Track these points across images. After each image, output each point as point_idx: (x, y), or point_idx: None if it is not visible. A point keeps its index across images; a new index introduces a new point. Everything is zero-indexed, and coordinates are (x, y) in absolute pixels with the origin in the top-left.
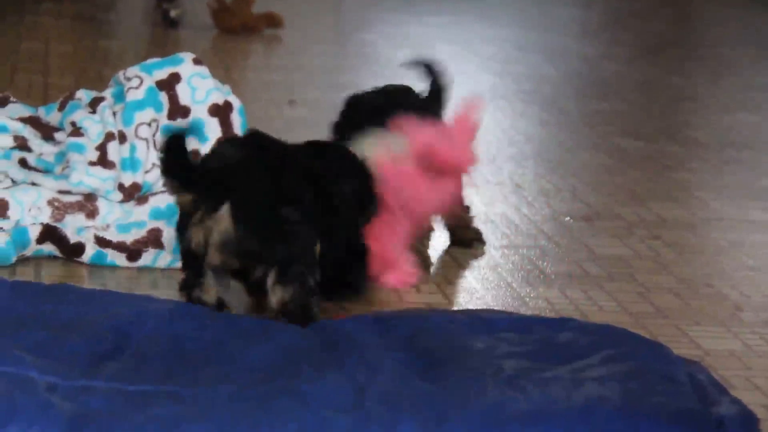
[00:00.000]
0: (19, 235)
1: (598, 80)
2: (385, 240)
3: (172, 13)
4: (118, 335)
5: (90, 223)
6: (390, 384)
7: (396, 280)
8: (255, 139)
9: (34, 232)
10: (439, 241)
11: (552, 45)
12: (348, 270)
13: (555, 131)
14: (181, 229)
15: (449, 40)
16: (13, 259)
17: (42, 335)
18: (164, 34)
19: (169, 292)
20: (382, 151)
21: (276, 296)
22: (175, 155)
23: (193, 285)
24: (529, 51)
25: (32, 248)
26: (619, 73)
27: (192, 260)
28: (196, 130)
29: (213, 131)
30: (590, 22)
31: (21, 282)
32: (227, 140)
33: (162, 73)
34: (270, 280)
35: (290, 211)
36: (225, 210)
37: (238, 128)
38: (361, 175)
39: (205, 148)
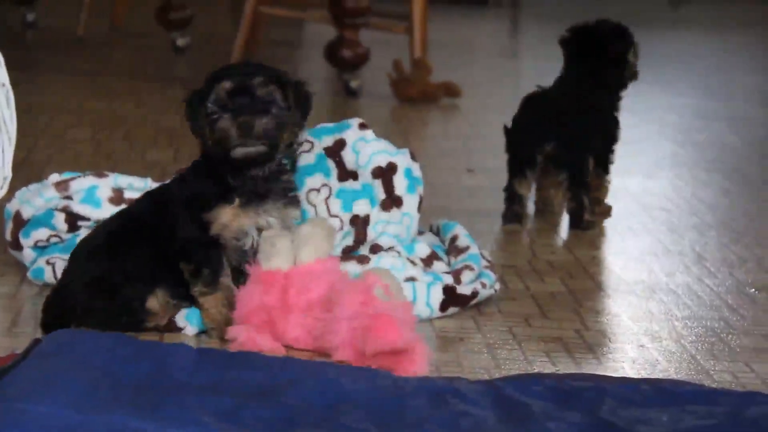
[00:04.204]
0: None
1: None
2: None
3: (353, 84)
4: (300, 403)
5: None
6: None
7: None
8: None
9: None
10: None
11: (735, 113)
12: None
13: (739, 200)
14: None
15: (629, 108)
16: None
17: (228, 402)
18: (344, 103)
19: None
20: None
21: None
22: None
23: None
24: (712, 119)
25: None
26: None
27: None
28: (368, 194)
29: (380, 194)
30: None
31: (207, 348)
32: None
33: (330, 140)
34: None
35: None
36: None
37: (403, 189)
38: None
39: (374, 212)
